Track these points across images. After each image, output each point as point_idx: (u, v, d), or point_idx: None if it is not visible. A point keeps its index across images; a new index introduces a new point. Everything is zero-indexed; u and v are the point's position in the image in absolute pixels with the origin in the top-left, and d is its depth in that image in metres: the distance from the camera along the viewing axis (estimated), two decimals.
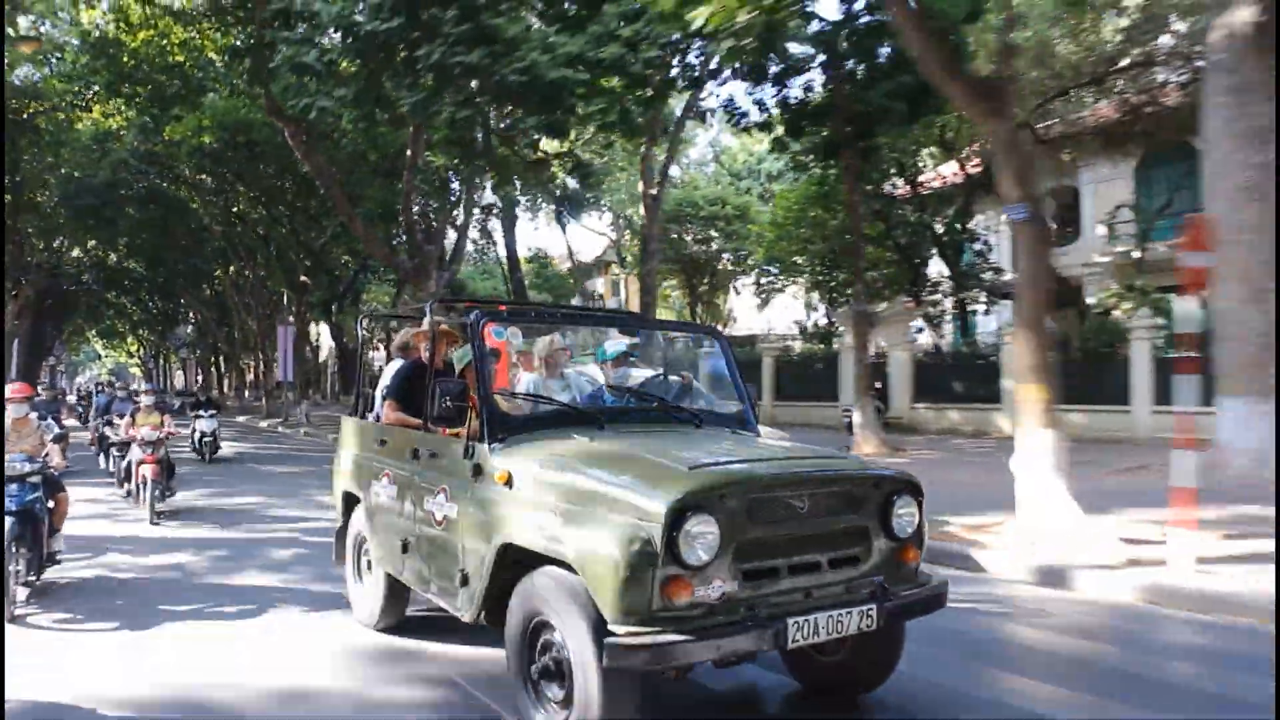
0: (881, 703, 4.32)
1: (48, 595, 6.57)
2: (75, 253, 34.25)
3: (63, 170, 25.49)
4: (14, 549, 6.04)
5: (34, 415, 7.14)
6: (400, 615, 5.53)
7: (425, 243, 20.57)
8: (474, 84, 12.27)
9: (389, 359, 8.31)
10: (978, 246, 23.81)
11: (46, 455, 6.70)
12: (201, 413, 17.25)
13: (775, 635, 3.47)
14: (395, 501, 5.29)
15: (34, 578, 6.47)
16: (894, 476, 4.10)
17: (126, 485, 11.13)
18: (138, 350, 68.37)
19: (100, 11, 19.70)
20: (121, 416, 11.88)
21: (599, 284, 43.13)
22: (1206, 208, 7.69)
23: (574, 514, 3.71)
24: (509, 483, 4.09)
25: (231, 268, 33.33)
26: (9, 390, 7.05)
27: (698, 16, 7.42)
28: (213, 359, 53.77)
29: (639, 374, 5.38)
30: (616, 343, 5.48)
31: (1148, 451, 12.86)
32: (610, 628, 3.40)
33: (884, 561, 3.96)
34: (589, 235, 38.09)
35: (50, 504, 6.78)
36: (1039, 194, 9.07)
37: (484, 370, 4.55)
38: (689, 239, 31.36)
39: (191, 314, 49.06)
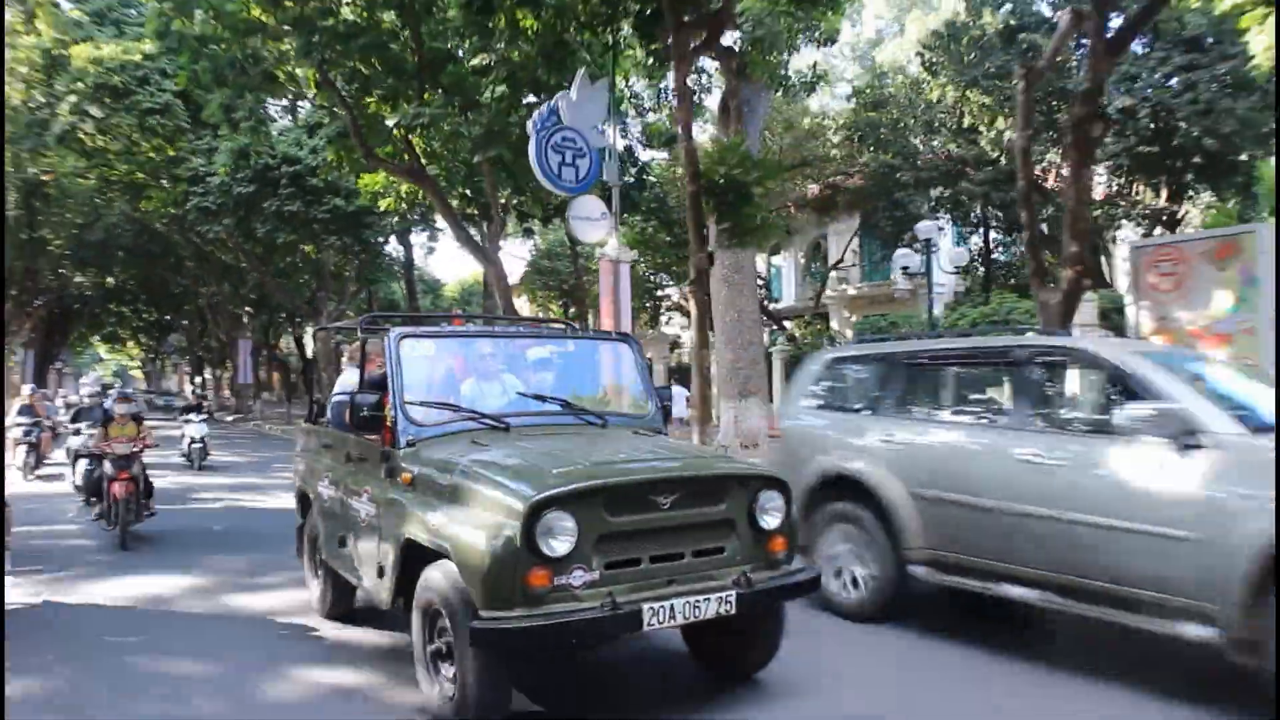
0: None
1: None
2: (78, 278, 41.92)
3: (67, 216, 33.10)
4: None
5: None
6: (349, 605, 5.86)
7: (318, 289, 28.60)
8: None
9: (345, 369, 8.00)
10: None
11: None
12: (191, 417, 16.79)
13: (630, 619, 3.80)
14: (335, 501, 5.61)
15: None
16: (758, 474, 4.45)
17: (97, 505, 9.59)
18: (138, 354, 75.80)
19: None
20: (92, 427, 10.77)
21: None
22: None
23: (455, 512, 4.06)
24: (412, 484, 4.46)
25: (203, 290, 41.09)
26: None
27: None
28: (199, 364, 61.44)
29: (551, 379, 5.56)
30: (539, 351, 5.76)
31: None
32: (480, 613, 3.72)
33: (750, 552, 4.27)
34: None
35: None
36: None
37: (397, 381, 4.81)
38: None
39: (182, 323, 56.74)
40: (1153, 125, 17.61)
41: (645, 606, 3.83)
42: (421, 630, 4.25)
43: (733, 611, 4.03)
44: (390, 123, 15.06)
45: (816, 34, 16.09)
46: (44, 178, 26.12)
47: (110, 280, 42.91)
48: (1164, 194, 19.49)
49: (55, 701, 4.71)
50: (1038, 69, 12.51)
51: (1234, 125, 16.36)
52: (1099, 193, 19.38)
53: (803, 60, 20.18)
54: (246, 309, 35.72)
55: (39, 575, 7.54)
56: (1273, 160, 15.34)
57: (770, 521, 4.31)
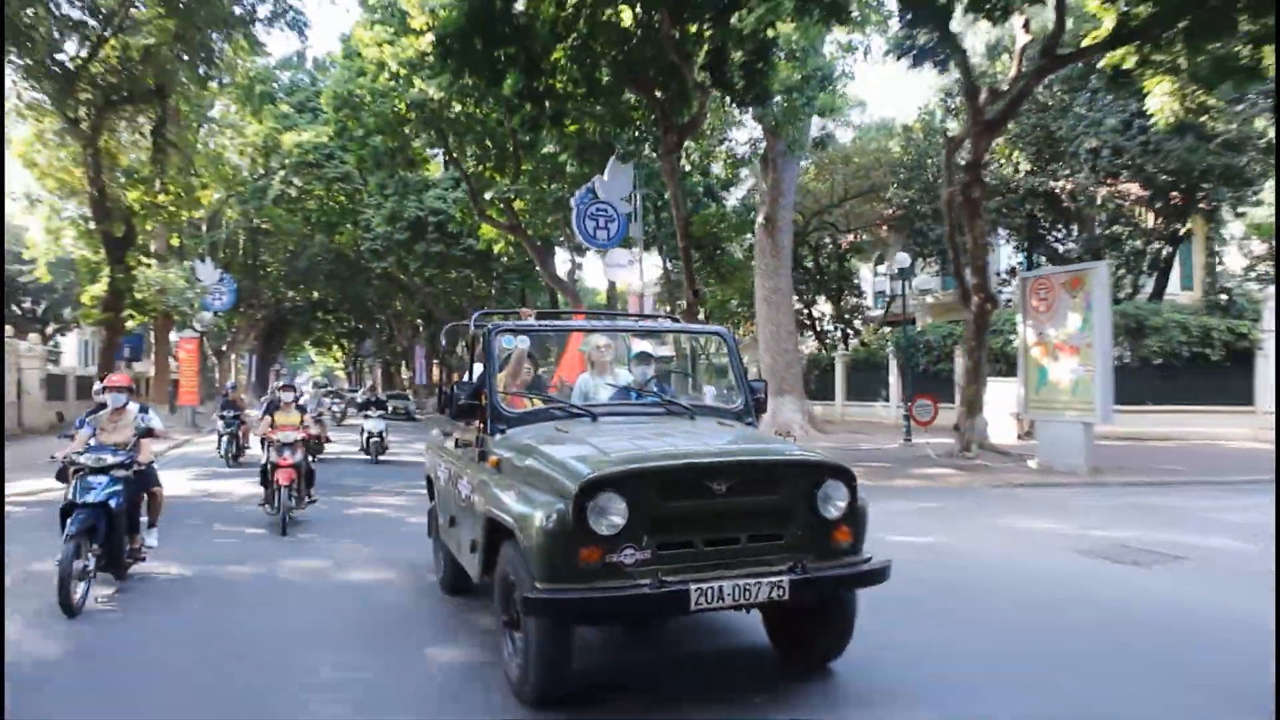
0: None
1: (131, 591, 6.46)
2: (290, 294, 50.78)
3: (278, 243, 41.28)
4: (83, 543, 5.83)
5: (134, 407, 6.97)
6: (467, 582, 5.98)
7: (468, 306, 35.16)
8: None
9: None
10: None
11: (133, 449, 6.56)
12: (370, 413, 17.84)
13: (677, 598, 3.88)
14: (448, 484, 6.06)
15: (110, 573, 6.44)
16: (820, 463, 4.41)
17: (265, 490, 10.07)
18: (341, 357, 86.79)
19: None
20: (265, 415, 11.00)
21: None
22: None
23: (524, 492, 4.29)
24: (497, 467, 4.75)
25: (386, 304, 49.12)
26: (111, 379, 7.07)
27: None
28: (389, 365, 70.67)
29: (644, 372, 5.66)
30: (640, 344, 5.87)
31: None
32: (536, 584, 3.93)
33: (809, 540, 4.27)
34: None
35: (144, 498, 6.82)
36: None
37: (489, 373, 5.19)
38: None
39: (375, 328, 65.93)
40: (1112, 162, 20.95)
41: (693, 587, 3.90)
42: (500, 599, 4.49)
43: (785, 597, 4.04)
44: (487, 196, 20.78)
45: (826, 110, 20.49)
46: (263, 225, 33.87)
47: (315, 295, 51.78)
48: (1152, 218, 22.51)
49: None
50: (957, 139, 16.68)
51: (1176, 163, 19.49)
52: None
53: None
54: (418, 320, 43.35)
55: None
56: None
57: (832, 511, 4.29)
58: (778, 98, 16.99)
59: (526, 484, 4.34)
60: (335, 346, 76.40)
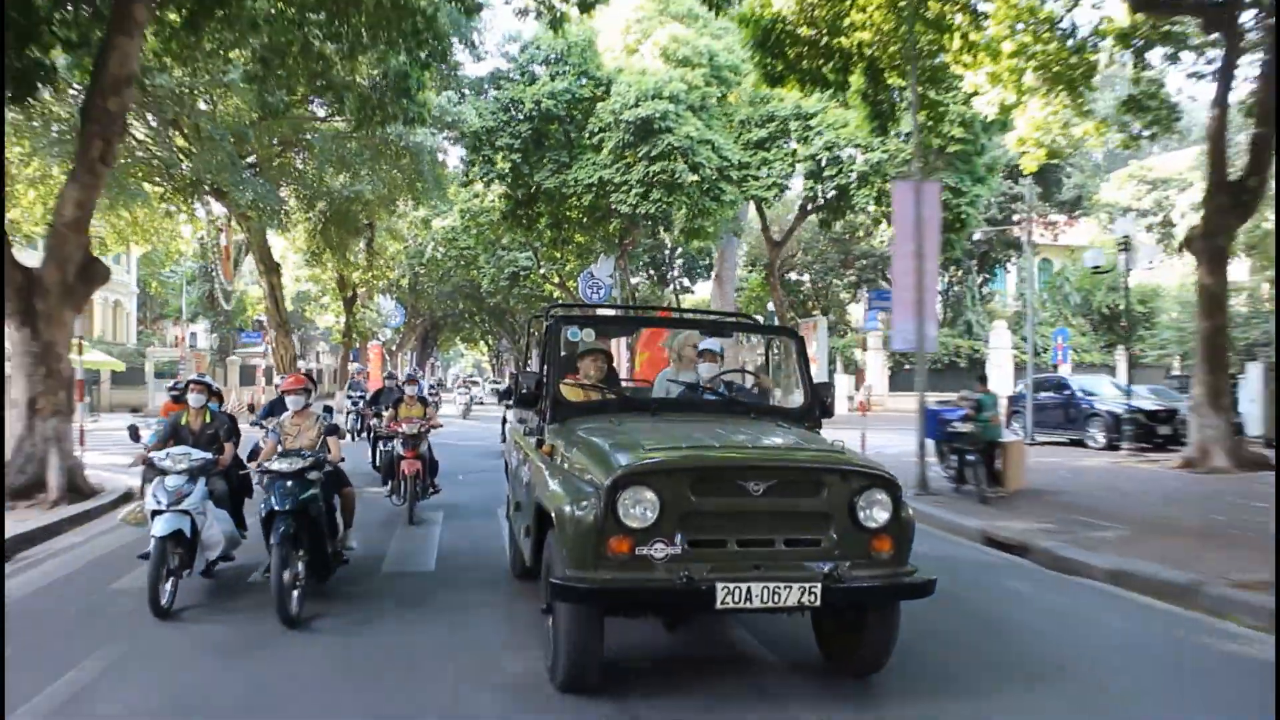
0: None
1: (335, 598, 6.32)
2: (439, 310, 67.75)
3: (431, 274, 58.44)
4: (286, 551, 5.64)
5: (317, 407, 6.84)
6: (529, 562, 5.51)
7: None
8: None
9: None
10: None
11: (321, 449, 6.40)
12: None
13: (702, 595, 3.95)
14: (516, 470, 6.27)
15: (317, 580, 6.25)
16: (863, 471, 4.37)
17: (390, 482, 10.37)
18: (486, 352, 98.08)
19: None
20: (387, 409, 10.99)
21: None
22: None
23: (567, 480, 4.43)
24: (551, 454, 4.88)
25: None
26: (286, 382, 6.99)
27: None
28: (517, 360, 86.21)
29: (711, 369, 5.85)
30: (708, 342, 6.02)
31: None
32: (565, 572, 4.03)
33: (849, 548, 4.25)
34: None
35: (336, 499, 6.66)
36: None
37: (549, 363, 5.38)
38: None
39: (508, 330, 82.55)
40: None
41: (720, 586, 3.91)
42: (542, 588, 4.61)
43: (816, 604, 4.03)
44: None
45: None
46: (420, 271, 51.10)
47: (459, 306, 69.13)
48: None
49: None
50: (778, 244, 31.45)
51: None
52: None
53: None
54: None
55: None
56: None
57: (872, 520, 4.22)
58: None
59: (571, 473, 4.49)
60: (480, 342, 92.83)
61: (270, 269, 28.69)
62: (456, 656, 5.15)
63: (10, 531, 7.97)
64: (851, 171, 26.55)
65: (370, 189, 25.94)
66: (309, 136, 24.69)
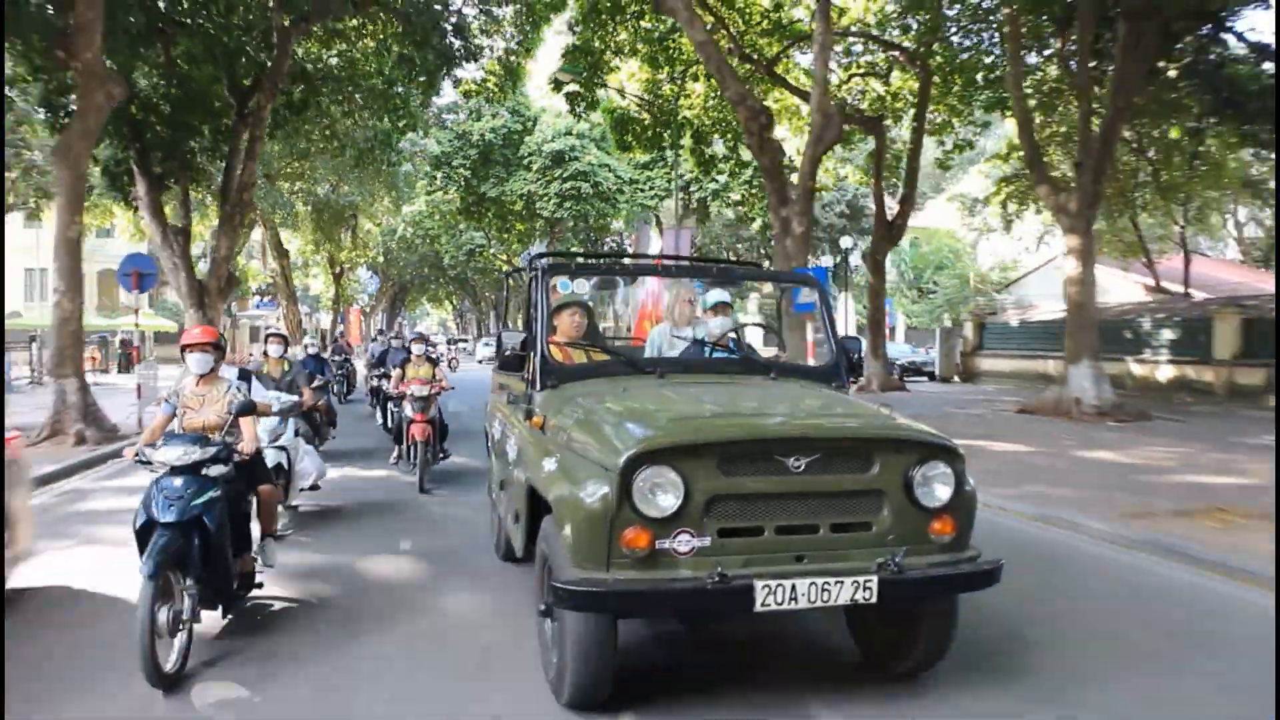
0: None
1: (235, 636, 4.66)
2: (409, 274, 76.40)
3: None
4: (173, 579, 4.12)
5: (227, 372, 5.16)
6: (519, 551, 4.79)
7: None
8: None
9: None
10: None
11: (227, 433, 4.71)
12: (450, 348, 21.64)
13: (739, 596, 3.33)
14: (499, 442, 5.47)
15: (216, 610, 4.58)
16: (920, 439, 3.76)
17: (398, 447, 9.93)
18: (450, 310, 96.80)
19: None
20: (395, 368, 10.54)
21: None
22: None
23: (565, 458, 3.78)
24: (542, 427, 4.22)
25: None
26: (189, 334, 4.97)
27: None
28: (478, 321, 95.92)
29: (723, 324, 5.17)
30: (718, 293, 5.38)
31: None
32: (571, 570, 3.41)
33: (906, 532, 3.67)
34: None
35: (253, 501, 5.08)
36: None
37: (541, 318, 4.57)
38: None
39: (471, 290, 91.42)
40: None
41: (759, 584, 3.36)
42: (539, 580, 3.96)
43: (872, 600, 3.48)
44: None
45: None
46: (392, 246, 60.54)
47: (426, 270, 78.38)
48: None
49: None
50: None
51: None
52: None
53: None
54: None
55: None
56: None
57: (932, 497, 3.68)
58: None
59: (569, 450, 3.85)
60: (445, 302, 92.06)
61: (281, 254, 38.53)
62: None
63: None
64: (708, 188, 36.74)
65: (359, 195, 34.74)
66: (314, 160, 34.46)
